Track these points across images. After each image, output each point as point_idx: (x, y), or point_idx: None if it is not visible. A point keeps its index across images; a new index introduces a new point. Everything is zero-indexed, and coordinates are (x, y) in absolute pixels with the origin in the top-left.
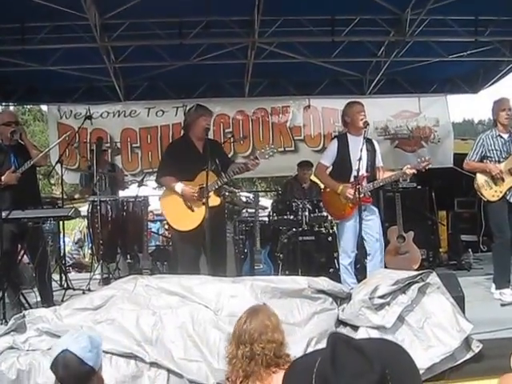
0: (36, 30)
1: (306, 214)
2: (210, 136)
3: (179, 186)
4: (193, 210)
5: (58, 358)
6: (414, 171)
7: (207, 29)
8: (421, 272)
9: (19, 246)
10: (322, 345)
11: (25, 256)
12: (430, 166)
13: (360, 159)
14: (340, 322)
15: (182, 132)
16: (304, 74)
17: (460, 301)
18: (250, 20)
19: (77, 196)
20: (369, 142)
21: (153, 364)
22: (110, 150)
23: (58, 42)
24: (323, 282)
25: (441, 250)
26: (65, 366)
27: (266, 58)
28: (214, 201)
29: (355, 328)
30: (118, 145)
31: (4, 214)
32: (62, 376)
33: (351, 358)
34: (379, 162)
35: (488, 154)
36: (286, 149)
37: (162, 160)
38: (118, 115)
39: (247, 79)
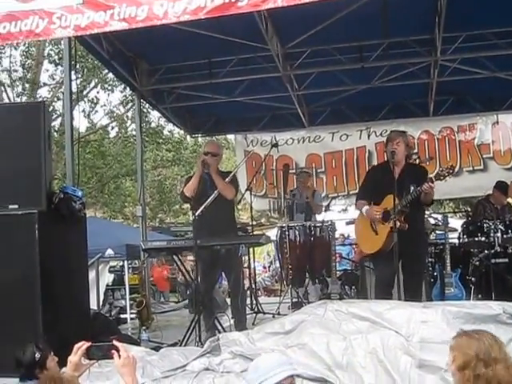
0: (222, 64)
1: (499, 235)
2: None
3: (365, 208)
4: (377, 233)
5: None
6: None
7: (388, 50)
8: None
9: (214, 272)
10: None
11: None
12: None
13: None
14: None
15: None
16: (490, 88)
17: None
18: (431, 38)
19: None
20: None
21: None
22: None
23: (242, 74)
24: None
25: None
26: None
27: (450, 75)
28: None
29: None
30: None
31: (199, 241)
32: None
33: None
34: None
35: None
36: (475, 168)
37: (361, 184)
38: (303, 141)
39: (431, 98)
